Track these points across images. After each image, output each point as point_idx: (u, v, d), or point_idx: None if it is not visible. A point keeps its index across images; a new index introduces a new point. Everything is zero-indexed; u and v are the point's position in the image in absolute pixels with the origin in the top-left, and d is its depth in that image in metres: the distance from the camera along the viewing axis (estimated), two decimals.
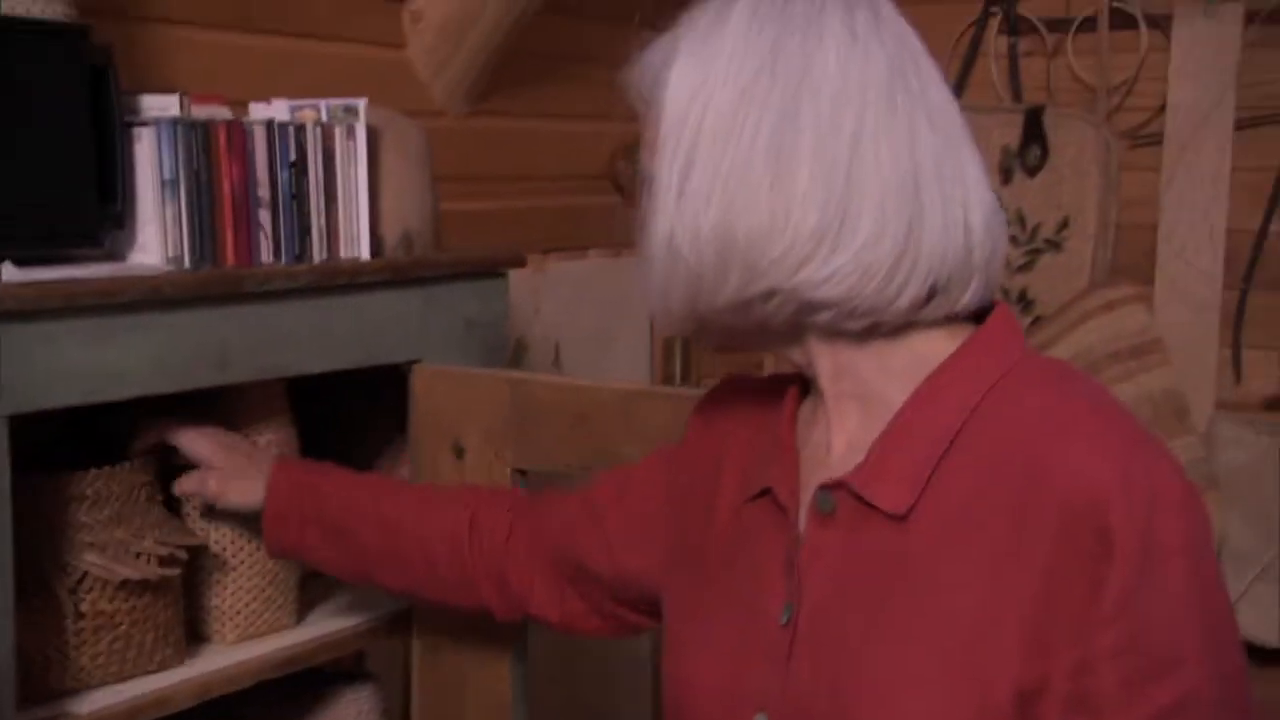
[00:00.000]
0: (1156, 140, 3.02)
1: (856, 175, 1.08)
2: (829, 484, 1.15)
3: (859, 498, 1.13)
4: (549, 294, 2.83)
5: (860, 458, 1.15)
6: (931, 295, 1.11)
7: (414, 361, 1.88)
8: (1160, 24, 2.99)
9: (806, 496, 1.19)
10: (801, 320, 1.14)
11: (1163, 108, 3.00)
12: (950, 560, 1.09)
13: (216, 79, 1.99)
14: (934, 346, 1.15)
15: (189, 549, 1.72)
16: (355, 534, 1.64)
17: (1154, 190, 3.00)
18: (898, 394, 1.15)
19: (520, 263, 2.08)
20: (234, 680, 1.74)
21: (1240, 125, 2.92)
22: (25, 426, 1.48)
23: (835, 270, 1.09)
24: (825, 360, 1.18)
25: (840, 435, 1.19)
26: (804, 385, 1.26)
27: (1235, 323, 2.95)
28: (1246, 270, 2.95)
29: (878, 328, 1.14)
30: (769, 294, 1.12)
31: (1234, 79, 2.91)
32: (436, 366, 1.87)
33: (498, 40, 2.56)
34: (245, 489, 1.69)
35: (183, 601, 1.76)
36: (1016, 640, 1.05)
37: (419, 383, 1.86)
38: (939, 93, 1.13)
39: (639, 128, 3.10)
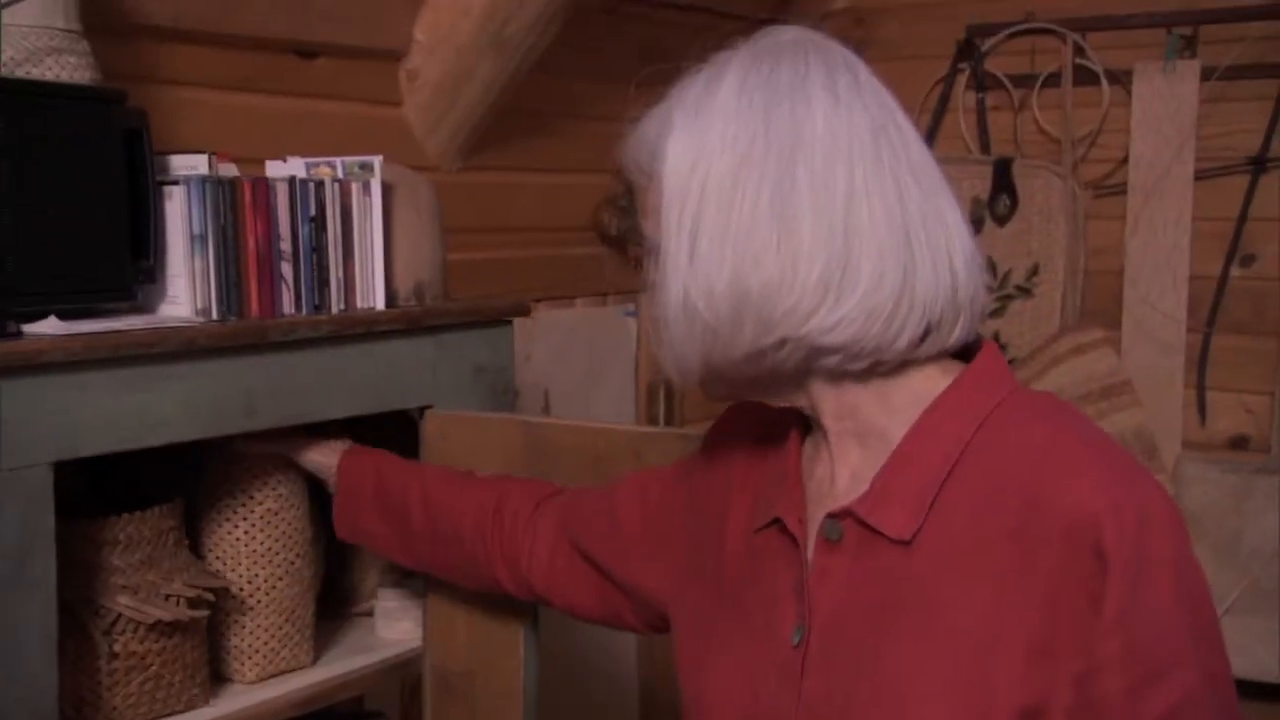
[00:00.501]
0: (1121, 190, 3.05)
1: (853, 228, 1.12)
2: (836, 512, 1.19)
3: (865, 524, 1.17)
4: (539, 341, 2.85)
5: (864, 488, 1.19)
6: (926, 334, 1.15)
7: (426, 407, 1.91)
8: (1121, 80, 3.03)
9: (813, 526, 1.23)
10: (810, 365, 1.18)
11: (1125, 159, 3.03)
12: (954, 582, 1.13)
13: (223, 139, 2.02)
14: (929, 384, 1.19)
15: (214, 591, 1.75)
16: (407, 514, 1.72)
17: (1119, 238, 3.04)
18: (897, 429, 1.19)
19: (525, 311, 2.11)
20: (268, 717, 1.77)
21: (1200, 176, 2.95)
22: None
23: (841, 317, 1.13)
24: (829, 402, 1.21)
25: (844, 469, 1.23)
26: (805, 423, 1.30)
27: (1200, 365, 2.98)
28: (1209, 314, 2.98)
29: (877, 367, 1.18)
30: (781, 343, 1.15)
31: (1193, 132, 2.94)
32: (448, 411, 1.90)
33: (490, 98, 2.59)
34: (322, 455, 1.82)
35: (207, 642, 1.78)
36: (1021, 656, 1.08)
37: (431, 427, 1.88)
38: (918, 147, 1.18)
39: (621, 181, 3.13)
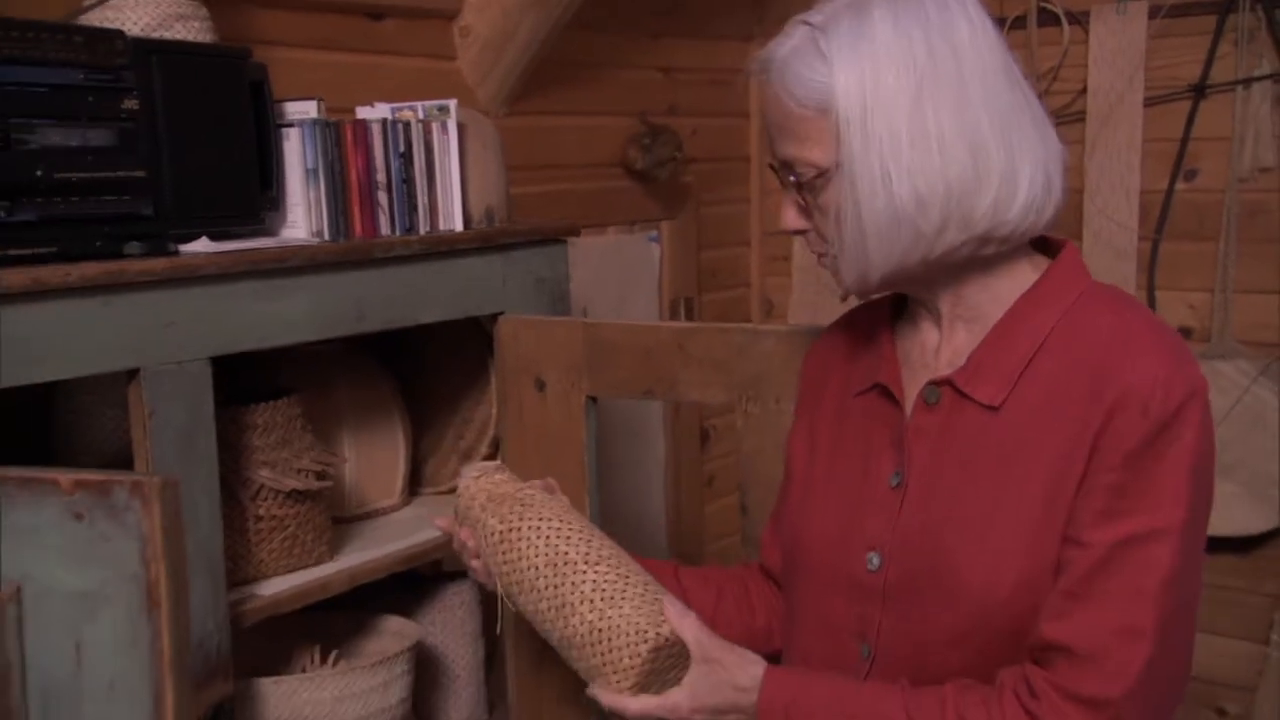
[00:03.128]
0: (1080, 117, 3.07)
1: (1014, 134, 1.17)
2: (937, 380, 1.27)
3: (960, 392, 1.25)
4: (577, 264, 2.87)
5: (961, 363, 1.26)
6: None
7: (499, 313, 1.98)
8: (1079, 20, 3.05)
9: (911, 392, 1.30)
10: (972, 255, 1.21)
11: (1084, 90, 3.05)
12: (1030, 440, 1.20)
13: (309, 89, 2.09)
14: (1024, 277, 1.26)
15: (334, 466, 1.88)
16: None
17: (1079, 159, 3.05)
18: (996, 312, 1.25)
19: (576, 232, 2.20)
20: (374, 572, 1.89)
21: (1148, 102, 2.99)
22: None
23: (1017, 208, 1.18)
24: (952, 291, 1.27)
25: (948, 346, 1.29)
26: (895, 317, 1.36)
27: (1150, 268, 3.03)
28: (1158, 223, 3.02)
29: (996, 257, 1.23)
30: (971, 238, 1.19)
31: (1142, 64, 2.97)
32: (519, 316, 1.97)
33: (531, 51, 2.62)
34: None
35: (330, 509, 1.90)
36: (1071, 496, 1.18)
37: (505, 329, 1.94)
38: (1017, 62, 1.22)
39: (644, 123, 3.06)
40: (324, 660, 1.99)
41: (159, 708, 1.00)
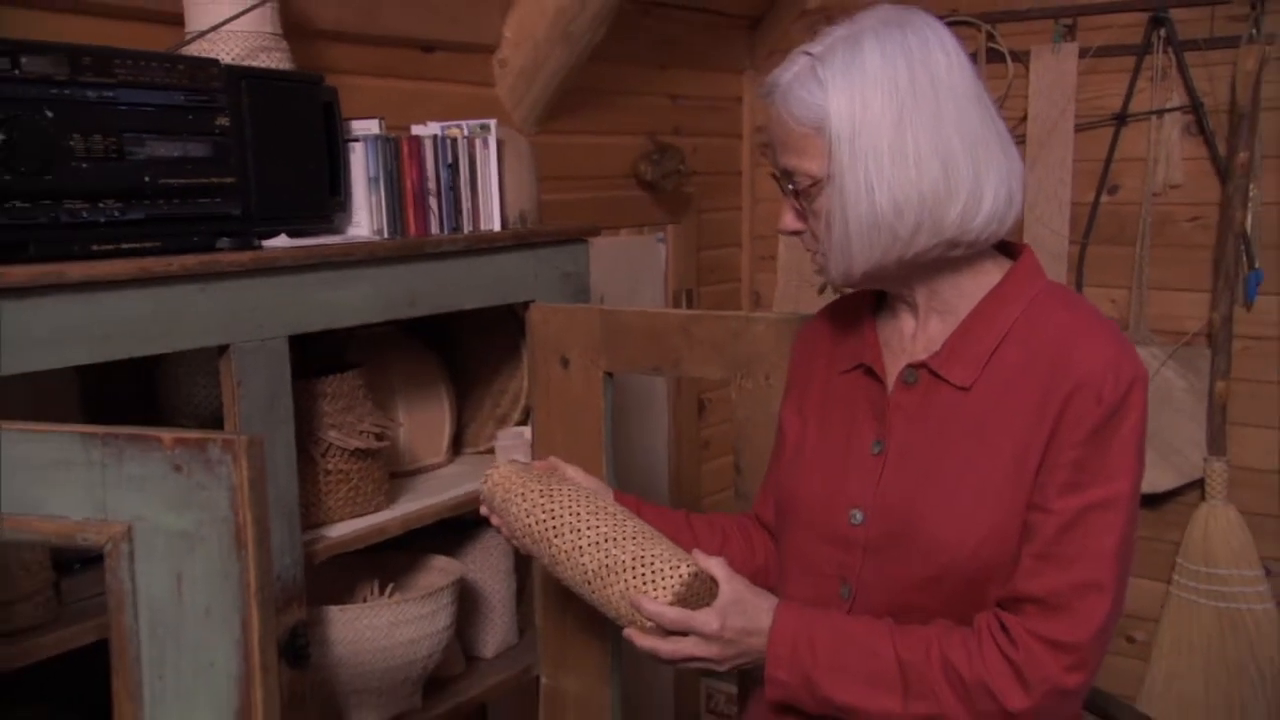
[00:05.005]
0: (1021, 140, 3.04)
1: (981, 150, 1.16)
2: (915, 364, 1.26)
3: (935, 374, 1.24)
4: (595, 261, 2.87)
5: (937, 348, 1.25)
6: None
7: (530, 301, 1.97)
8: (1021, 58, 3.05)
9: (891, 372, 1.29)
10: (942, 257, 1.20)
11: (1025, 117, 3.05)
12: (996, 417, 1.20)
13: (370, 110, 2.08)
14: (989, 276, 1.25)
15: (390, 429, 1.88)
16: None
17: None
18: (966, 306, 1.25)
19: (596, 233, 2.19)
20: (424, 518, 1.90)
21: (1078, 128, 2.98)
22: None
23: (981, 217, 1.16)
24: (926, 286, 1.26)
25: (923, 334, 1.27)
26: (877, 308, 1.34)
27: (1078, 269, 3.03)
28: (1085, 231, 3.01)
29: (964, 258, 1.21)
30: (940, 243, 1.18)
31: (1073, 96, 2.97)
32: (547, 304, 1.95)
33: (559, 80, 2.62)
34: None
35: (388, 466, 1.90)
36: (1034, 468, 1.17)
37: (535, 315, 1.92)
38: (985, 88, 1.20)
39: (653, 141, 3.02)
40: (382, 592, 2.00)
41: (245, 629, 1.00)
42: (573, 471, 1.48)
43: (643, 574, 1.27)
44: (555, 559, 1.36)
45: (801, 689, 1.24)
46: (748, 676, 1.53)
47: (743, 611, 1.26)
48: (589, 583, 1.32)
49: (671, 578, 1.25)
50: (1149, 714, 2.75)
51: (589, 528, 1.33)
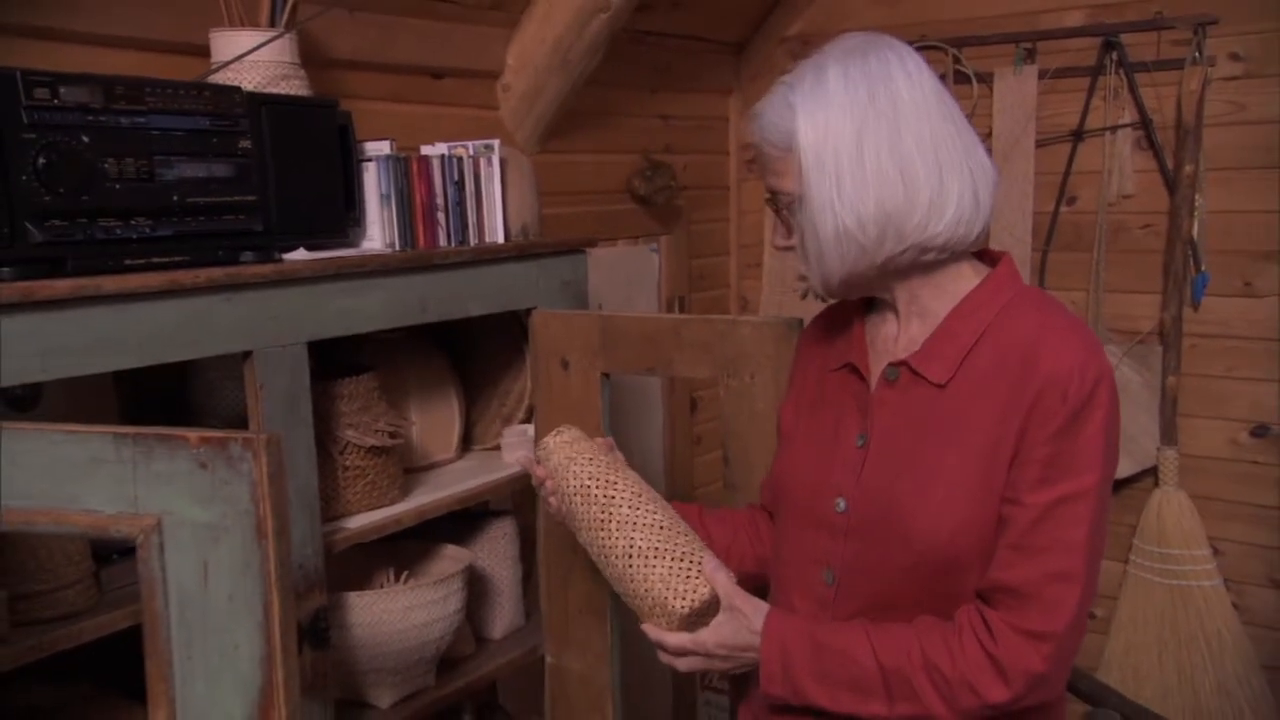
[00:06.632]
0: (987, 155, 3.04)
1: (943, 162, 1.14)
2: (896, 362, 1.25)
3: (915, 371, 1.23)
4: (592, 270, 2.84)
5: (917, 348, 1.23)
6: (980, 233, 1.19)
7: (532, 308, 1.96)
8: (985, 79, 3.04)
9: (875, 370, 1.28)
10: (913, 261, 1.19)
11: (989, 134, 3.03)
12: (971, 412, 1.18)
13: (384, 133, 2.08)
14: (966, 280, 1.23)
15: (404, 428, 1.87)
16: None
17: None
18: (943, 310, 1.23)
19: (593, 244, 2.17)
20: (436, 510, 1.88)
21: (1039, 144, 2.97)
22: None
23: (945, 223, 1.15)
24: (905, 291, 1.24)
25: (905, 335, 1.26)
26: (866, 312, 1.33)
27: (1040, 273, 3.02)
28: (1046, 239, 3.01)
29: (939, 263, 1.20)
30: (907, 249, 1.17)
31: (1034, 114, 2.96)
32: (548, 310, 1.95)
33: (558, 103, 2.61)
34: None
35: (402, 462, 1.88)
36: (1007, 462, 1.16)
37: (537, 320, 1.90)
38: (949, 97, 1.19)
39: (647, 159, 3.01)
40: (397, 578, 1.99)
41: (267, 613, 1.00)
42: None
43: (682, 569, 1.28)
44: (605, 524, 1.34)
45: (793, 698, 1.24)
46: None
47: (736, 630, 1.26)
48: (630, 557, 1.30)
49: (698, 591, 1.27)
50: (1108, 682, 2.75)
51: (647, 510, 1.33)
